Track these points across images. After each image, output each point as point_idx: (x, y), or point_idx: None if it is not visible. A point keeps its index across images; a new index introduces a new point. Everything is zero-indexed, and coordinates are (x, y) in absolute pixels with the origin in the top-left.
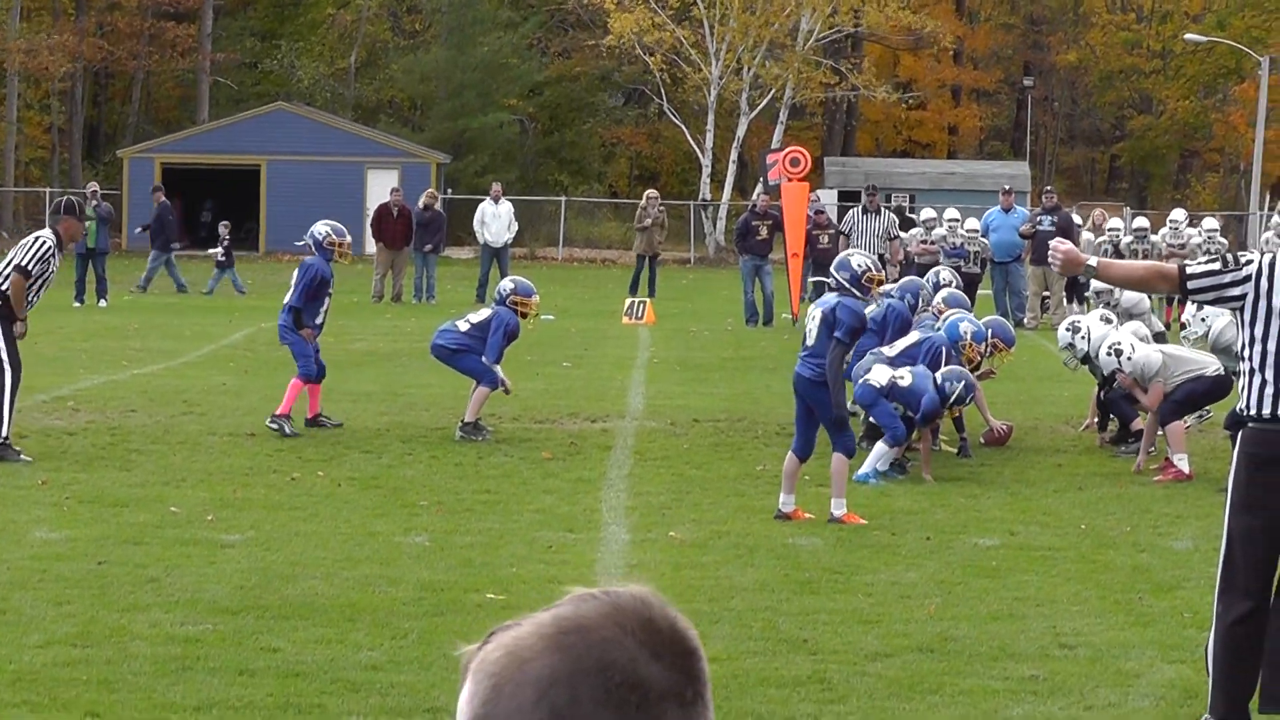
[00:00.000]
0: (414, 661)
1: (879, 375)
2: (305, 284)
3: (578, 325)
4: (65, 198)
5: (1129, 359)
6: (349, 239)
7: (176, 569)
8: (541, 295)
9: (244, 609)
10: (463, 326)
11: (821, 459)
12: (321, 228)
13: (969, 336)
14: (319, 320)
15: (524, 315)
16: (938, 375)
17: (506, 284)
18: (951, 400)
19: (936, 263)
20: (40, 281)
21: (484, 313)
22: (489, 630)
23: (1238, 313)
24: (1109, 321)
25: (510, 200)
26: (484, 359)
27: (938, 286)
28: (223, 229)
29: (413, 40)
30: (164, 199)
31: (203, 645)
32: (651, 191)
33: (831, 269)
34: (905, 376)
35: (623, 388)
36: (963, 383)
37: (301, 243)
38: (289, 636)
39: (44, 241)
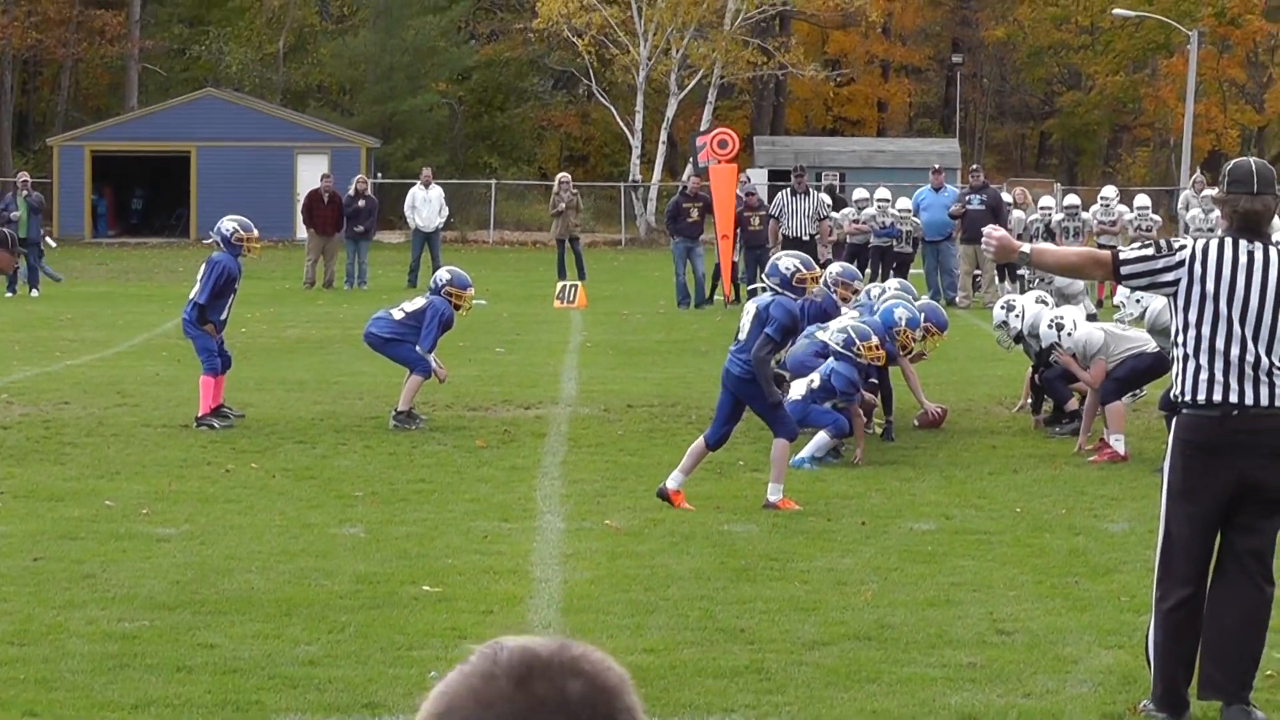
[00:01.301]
0: (351, 656)
1: (796, 390)
2: (212, 281)
3: (510, 309)
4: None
5: (1070, 334)
6: (256, 233)
7: (113, 564)
8: (474, 279)
9: (180, 604)
10: (396, 315)
11: (762, 443)
12: (229, 224)
13: (903, 322)
14: (223, 316)
15: (457, 307)
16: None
17: (443, 274)
18: (854, 348)
19: (868, 243)
20: None
21: (418, 301)
22: None
23: (1171, 298)
24: (1044, 303)
25: (440, 184)
26: (418, 348)
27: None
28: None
29: (341, 24)
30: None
31: (140, 642)
32: (563, 175)
33: (763, 275)
34: (815, 378)
35: (555, 373)
36: (845, 332)
37: (209, 239)
38: (226, 632)
39: None
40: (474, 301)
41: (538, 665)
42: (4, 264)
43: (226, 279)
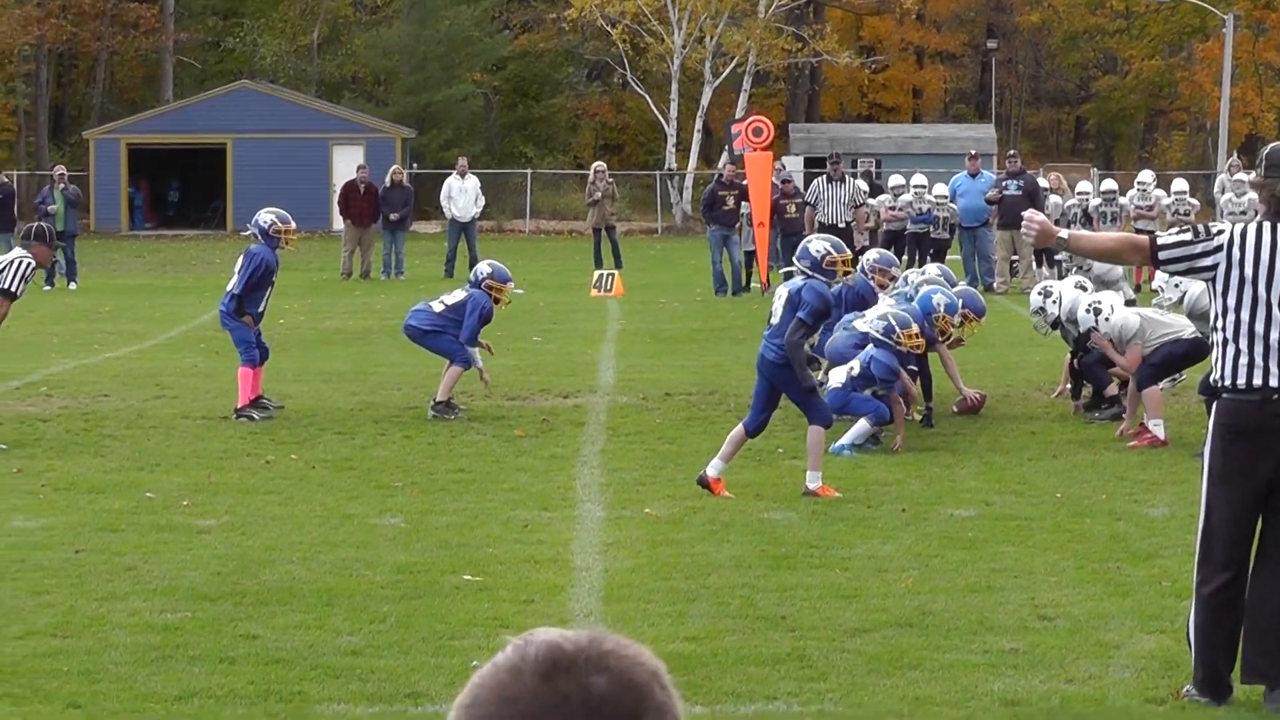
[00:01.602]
0: (393, 646)
1: (836, 378)
2: (249, 272)
3: (547, 299)
4: (37, 224)
5: (1106, 319)
6: (294, 225)
7: (154, 556)
8: (510, 268)
9: (222, 595)
10: (436, 307)
11: (801, 430)
12: (266, 216)
13: (942, 308)
14: (260, 308)
15: (497, 301)
16: (870, 332)
17: (484, 267)
18: (895, 336)
19: (904, 229)
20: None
21: (458, 294)
22: None
23: (1210, 283)
24: (1083, 289)
25: (476, 174)
26: (458, 340)
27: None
28: None
29: (375, 15)
30: (4, 180)
31: (182, 633)
32: (599, 164)
33: (794, 259)
34: (854, 366)
35: (593, 362)
36: (885, 320)
37: (247, 231)
38: (268, 623)
39: (28, 263)
40: (513, 292)
41: (563, 660)
42: (42, 258)
43: (264, 271)
